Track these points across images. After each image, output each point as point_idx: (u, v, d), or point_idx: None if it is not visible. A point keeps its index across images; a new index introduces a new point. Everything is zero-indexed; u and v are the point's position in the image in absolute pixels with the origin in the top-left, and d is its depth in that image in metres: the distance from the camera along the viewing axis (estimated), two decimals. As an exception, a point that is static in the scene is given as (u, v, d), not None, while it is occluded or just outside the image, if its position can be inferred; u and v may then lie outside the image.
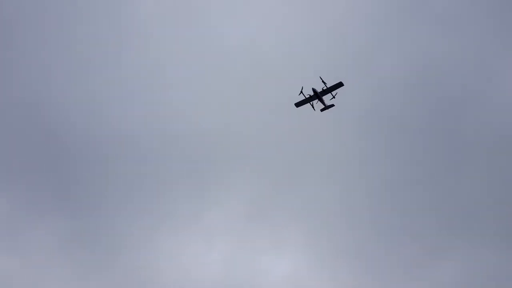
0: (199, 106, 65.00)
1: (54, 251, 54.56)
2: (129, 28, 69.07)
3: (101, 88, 65.89)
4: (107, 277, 54.58)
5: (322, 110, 51.70)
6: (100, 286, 54.50)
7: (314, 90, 49.16)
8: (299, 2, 72.51)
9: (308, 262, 60.58)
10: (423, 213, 63.09)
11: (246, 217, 64.13)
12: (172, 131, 64.84)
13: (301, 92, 48.94)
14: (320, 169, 65.52)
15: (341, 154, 66.30)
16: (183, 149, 64.89)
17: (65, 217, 58.51)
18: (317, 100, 50.16)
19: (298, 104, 50.69)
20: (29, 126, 62.93)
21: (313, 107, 50.75)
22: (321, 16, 71.40)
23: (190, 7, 70.72)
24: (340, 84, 48.41)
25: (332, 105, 51.09)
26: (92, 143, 63.17)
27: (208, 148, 65.23)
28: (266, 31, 70.19)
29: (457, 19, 71.26)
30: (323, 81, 47.95)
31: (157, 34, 69.14)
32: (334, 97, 49.86)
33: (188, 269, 58.86)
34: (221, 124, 66.17)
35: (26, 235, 54.30)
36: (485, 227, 60.31)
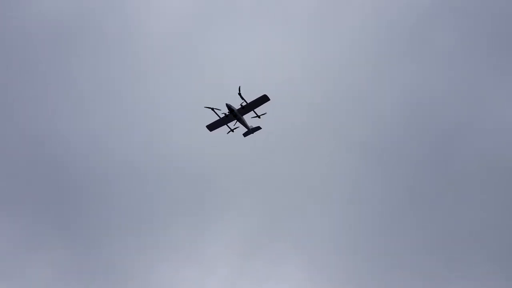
0: (198, 142, 66.74)
1: (53, 284, 54.57)
2: (131, 64, 71.26)
3: (102, 122, 67.46)
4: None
5: (245, 134, 40.93)
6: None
7: (228, 106, 37.60)
8: (298, 38, 74.66)
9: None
10: (423, 245, 62.96)
11: (245, 251, 63.84)
12: (173, 166, 65.78)
13: (213, 109, 37.70)
14: (319, 199, 65.70)
15: (339, 185, 66.69)
16: (183, 185, 65.54)
17: (65, 249, 58.71)
18: (235, 121, 39.32)
19: (211, 127, 39.59)
20: (31, 160, 64.10)
21: (231, 129, 39.58)
22: (319, 50, 73.42)
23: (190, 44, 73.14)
24: (264, 98, 37.28)
25: (258, 128, 40.64)
26: (93, 176, 64.03)
27: (207, 183, 65.72)
28: (267, 66, 71.87)
29: (450, 54, 73.46)
30: (240, 96, 36.69)
31: (158, 70, 71.27)
32: (258, 116, 38.95)
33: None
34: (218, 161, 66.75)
35: (25, 267, 54.49)
36: (485, 255, 60.11)
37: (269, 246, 62.41)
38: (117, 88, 68.83)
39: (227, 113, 38.04)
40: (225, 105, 37.59)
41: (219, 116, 38.43)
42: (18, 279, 53.24)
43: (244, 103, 37.33)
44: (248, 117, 39.66)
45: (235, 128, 39.73)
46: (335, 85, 68.97)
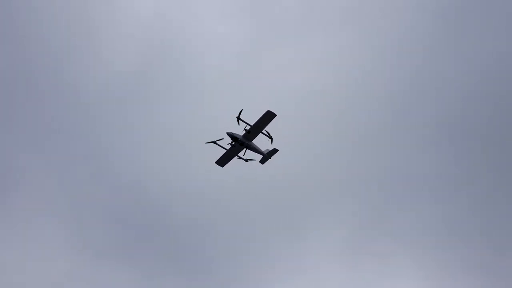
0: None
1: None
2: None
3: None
4: None
5: (262, 161, 36.19)
6: None
7: (230, 135, 33.23)
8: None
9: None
10: None
11: (349, 252, 62.86)
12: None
13: (215, 142, 33.64)
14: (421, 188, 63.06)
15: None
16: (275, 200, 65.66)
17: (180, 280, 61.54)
18: (245, 149, 34.45)
19: (220, 162, 35.25)
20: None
21: (245, 160, 35.27)
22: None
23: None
24: (269, 115, 32.13)
25: (275, 150, 35.75)
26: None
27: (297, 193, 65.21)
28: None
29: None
30: (240, 119, 32.00)
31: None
32: (270, 137, 33.88)
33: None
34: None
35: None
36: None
37: (374, 244, 60.87)
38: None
39: (232, 143, 33.48)
40: (226, 134, 33.38)
41: (225, 148, 34.02)
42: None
43: (248, 127, 32.72)
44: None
45: (250, 159, 35.67)
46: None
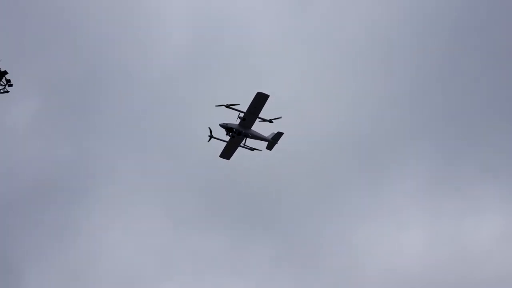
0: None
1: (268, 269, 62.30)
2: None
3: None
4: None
5: (269, 148, 33.40)
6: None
7: (223, 126, 30.91)
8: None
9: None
10: None
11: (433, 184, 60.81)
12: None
13: (211, 135, 31.25)
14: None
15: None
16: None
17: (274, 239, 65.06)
18: (245, 138, 31.84)
19: (224, 155, 32.85)
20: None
21: (250, 148, 32.61)
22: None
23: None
24: (260, 97, 29.37)
25: (279, 134, 33.02)
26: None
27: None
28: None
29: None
30: (230, 107, 29.61)
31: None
32: (269, 120, 31.38)
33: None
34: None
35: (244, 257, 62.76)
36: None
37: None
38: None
39: (230, 134, 31.25)
40: (220, 127, 31.34)
41: (225, 141, 32.05)
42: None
43: (242, 114, 30.24)
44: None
45: (255, 149, 33.27)
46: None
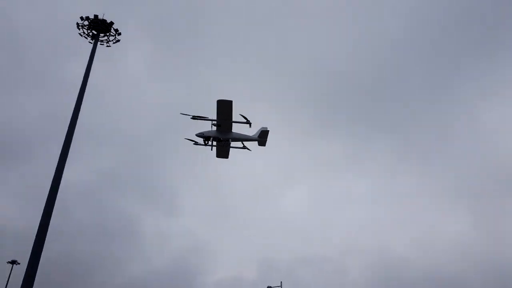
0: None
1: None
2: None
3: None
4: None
5: (261, 144, 32.76)
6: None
7: (200, 135, 31.02)
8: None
9: None
10: None
11: None
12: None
13: (196, 142, 31.04)
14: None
15: None
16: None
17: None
18: (229, 140, 31.34)
19: (220, 155, 32.56)
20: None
21: (241, 147, 32.20)
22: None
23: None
24: (223, 104, 28.55)
25: (265, 130, 32.23)
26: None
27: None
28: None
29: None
30: (198, 118, 29.67)
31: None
32: (248, 122, 30.51)
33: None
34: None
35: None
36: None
37: None
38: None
39: (206, 142, 30.92)
40: (198, 137, 30.87)
41: (214, 145, 31.14)
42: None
43: (215, 122, 30.09)
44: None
45: (245, 147, 32.59)
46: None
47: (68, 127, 27.74)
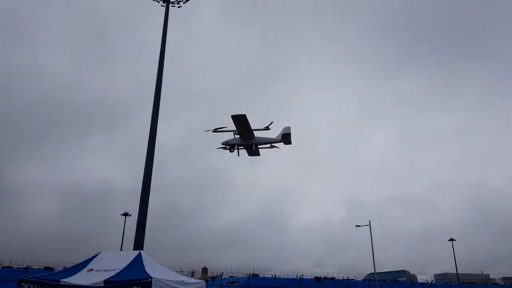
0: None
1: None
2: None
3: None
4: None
5: (286, 143, 31.97)
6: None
7: (226, 144, 31.72)
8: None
9: None
10: None
11: None
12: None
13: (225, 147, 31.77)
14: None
15: None
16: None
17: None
18: (254, 146, 31.82)
19: (251, 154, 32.81)
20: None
21: (271, 146, 32.27)
22: None
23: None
24: (237, 117, 28.95)
25: (288, 129, 31.23)
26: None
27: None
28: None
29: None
30: (218, 131, 30.26)
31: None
32: (266, 128, 30.49)
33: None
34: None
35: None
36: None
37: None
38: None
39: (233, 148, 31.64)
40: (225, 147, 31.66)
41: (238, 148, 31.88)
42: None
43: (236, 132, 30.61)
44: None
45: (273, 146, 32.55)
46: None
47: (155, 93, 29.67)
